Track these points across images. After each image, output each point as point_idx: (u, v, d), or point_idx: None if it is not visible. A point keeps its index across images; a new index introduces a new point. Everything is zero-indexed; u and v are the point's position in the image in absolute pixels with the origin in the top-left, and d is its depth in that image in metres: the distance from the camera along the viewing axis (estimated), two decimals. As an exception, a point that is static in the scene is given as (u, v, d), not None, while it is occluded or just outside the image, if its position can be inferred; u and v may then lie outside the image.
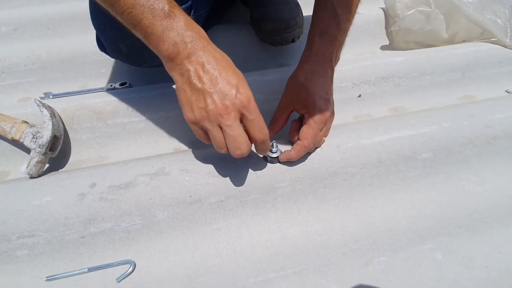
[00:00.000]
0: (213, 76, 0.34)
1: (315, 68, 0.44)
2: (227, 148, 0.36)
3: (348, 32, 0.47)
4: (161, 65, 0.53)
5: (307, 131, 0.42)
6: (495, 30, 0.65)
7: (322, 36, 0.44)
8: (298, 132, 0.44)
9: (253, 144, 0.39)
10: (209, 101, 0.33)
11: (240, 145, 0.35)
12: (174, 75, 0.35)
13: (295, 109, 0.45)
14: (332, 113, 0.47)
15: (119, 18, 0.34)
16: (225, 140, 0.35)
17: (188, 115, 0.35)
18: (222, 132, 0.35)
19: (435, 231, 0.41)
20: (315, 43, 0.44)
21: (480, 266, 0.37)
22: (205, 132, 0.36)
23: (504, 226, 0.41)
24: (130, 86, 0.61)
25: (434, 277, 0.37)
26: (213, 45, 0.36)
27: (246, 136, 0.36)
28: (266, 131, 0.37)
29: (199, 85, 0.34)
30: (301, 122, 0.46)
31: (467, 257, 0.38)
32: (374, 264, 0.38)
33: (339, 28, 0.44)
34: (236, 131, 0.34)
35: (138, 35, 0.35)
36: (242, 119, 0.35)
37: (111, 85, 0.59)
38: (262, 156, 0.47)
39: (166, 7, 0.32)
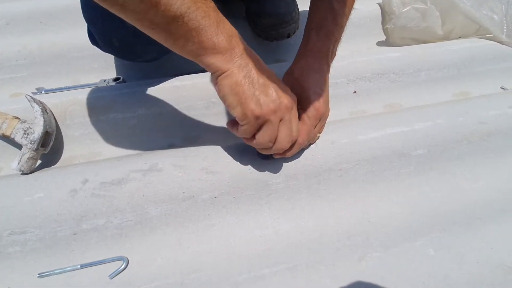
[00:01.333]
0: (269, 73, 0.36)
1: (310, 64, 0.44)
2: (276, 143, 0.37)
3: (345, 27, 0.46)
4: (153, 59, 0.53)
5: (301, 127, 0.42)
6: (491, 26, 0.64)
7: (319, 31, 0.44)
8: None
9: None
10: (280, 94, 0.35)
11: (293, 138, 0.38)
12: (231, 67, 0.33)
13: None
14: (327, 109, 0.46)
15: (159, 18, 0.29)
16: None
17: (255, 108, 0.34)
18: (280, 126, 0.36)
19: (428, 227, 0.42)
20: (311, 38, 0.44)
21: (471, 262, 0.38)
22: (257, 128, 0.36)
23: (496, 223, 0.42)
24: (124, 81, 0.60)
25: (426, 272, 0.37)
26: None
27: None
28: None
29: (262, 80, 0.34)
30: None
31: (459, 253, 0.39)
32: (367, 260, 0.38)
33: (335, 23, 0.43)
34: (296, 124, 0.38)
35: (183, 27, 0.30)
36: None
37: (105, 81, 0.59)
38: (256, 153, 0.46)
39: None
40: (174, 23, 0.29)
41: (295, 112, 0.37)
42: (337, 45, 0.46)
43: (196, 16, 0.30)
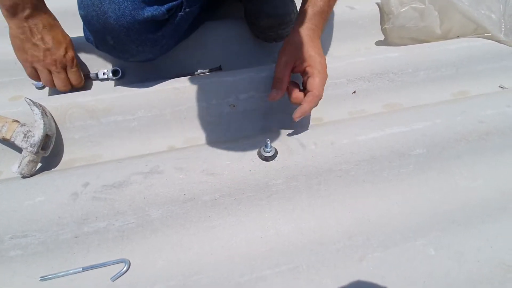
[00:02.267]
0: (47, 36, 0.50)
1: (308, 33, 0.48)
2: (54, 84, 0.54)
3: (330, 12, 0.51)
4: (148, 59, 0.54)
5: (314, 81, 0.44)
6: (489, 25, 0.65)
7: (313, 8, 0.48)
8: (300, 94, 0.46)
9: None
10: (43, 54, 0.51)
11: (65, 83, 0.54)
12: (10, 23, 0.48)
13: (295, 65, 0.47)
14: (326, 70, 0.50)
15: None
16: (52, 79, 0.53)
17: (21, 55, 0.51)
18: (51, 74, 0.53)
19: (428, 227, 0.42)
20: (308, 13, 0.48)
21: (471, 261, 0.38)
22: (35, 70, 0.52)
23: (495, 221, 0.42)
24: (123, 75, 0.62)
25: (426, 271, 0.37)
26: (48, 9, 0.52)
27: (69, 80, 0.55)
28: (81, 79, 0.57)
29: (34, 40, 0.49)
30: (297, 84, 0.48)
31: (459, 252, 0.39)
32: (368, 260, 0.39)
33: (329, 3, 0.49)
34: (62, 75, 0.54)
35: None
36: (66, 70, 0.54)
37: (104, 73, 0.61)
38: (257, 154, 0.47)
39: None
40: None
41: (62, 66, 0.53)
42: (326, 22, 0.52)
43: None
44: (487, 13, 0.66)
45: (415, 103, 0.59)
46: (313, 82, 0.45)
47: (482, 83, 0.63)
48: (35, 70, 0.52)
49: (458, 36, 0.68)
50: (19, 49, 0.50)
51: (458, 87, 0.63)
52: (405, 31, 0.69)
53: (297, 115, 0.45)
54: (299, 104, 0.46)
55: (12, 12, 0.47)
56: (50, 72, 0.52)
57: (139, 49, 0.48)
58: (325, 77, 0.46)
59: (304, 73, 0.47)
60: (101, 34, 0.46)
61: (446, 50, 0.63)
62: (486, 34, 0.65)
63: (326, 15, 0.50)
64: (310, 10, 0.48)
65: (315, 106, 0.46)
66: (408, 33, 0.69)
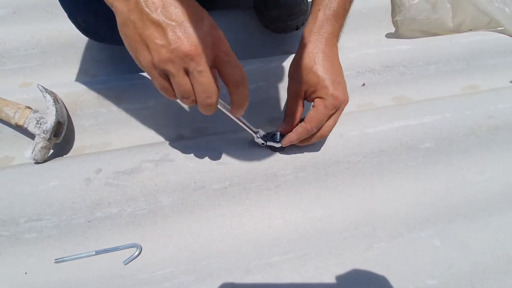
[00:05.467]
0: (175, 6, 0.26)
1: (320, 48, 0.39)
2: (195, 98, 0.30)
3: (348, 13, 0.43)
4: (119, 44, 0.52)
5: (314, 115, 0.39)
6: (502, 19, 0.64)
7: (326, 11, 0.39)
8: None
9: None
10: (172, 37, 0.26)
11: (211, 93, 0.29)
12: (117, 3, 0.27)
13: (306, 95, 0.41)
14: (346, 96, 0.41)
15: None
16: (193, 88, 0.29)
17: (143, 56, 0.27)
18: (190, 78, 0.28)
19: (434, 219, 0.42)
20: (319, 19, 0.39)
21: (476, 252, 0.39)
22: (167, 79, 0.29)
23: (501, 214, 0.43)
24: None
25: (431, 262, 0.38)
26: None
27: (217, 83, 0.30)
28: (245, 73, 0.31)
29: (155, 15, 0.26)
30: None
31: (464, 243, 0.40)
32: (374, 249, 0.40)
33: (342, 3, 0.40)
34: (208, 78, 0.28)
35: None
36: (214, 62, 0.29)
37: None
38: (264, 145, 0.47)
39: None
40: None
41: (208, 57, 0.28)
42: (342, 28, 0.42)
43: None
44: (501, 6, 0.65)
45: (425, 97, 0.59)
46: (311, 116, 0.39)
47: (493, 78, 0.63)
48: (166, 75, 0.29)
49: (470, 30, 0.67)
50: (133, 43, 0.28)
51: (469, 81, 0.62)
52: (416, 24, 0.68)
53: (284, 142, 0.42)
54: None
55: None
56: (186, 73, 0.28)
57: (109, 34, 0.47)
58: (330, 112, 0.39)
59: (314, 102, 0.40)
60: (74, 16, 0.46)
61: (457, 43, 0.62)
62: (499, 28, 0.64)
63: (342, 19, 0.41)
64: (322, 15, 0.39)
65: (304, 137, 0.41)
66: (419, 25, 0.68)
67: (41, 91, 0.47)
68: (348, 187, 0.46)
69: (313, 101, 0.40)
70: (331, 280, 0.37)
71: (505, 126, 0.52)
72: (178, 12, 0.26)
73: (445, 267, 0.38)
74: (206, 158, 0.45)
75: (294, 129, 0.41)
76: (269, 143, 0.46)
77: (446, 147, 0.50)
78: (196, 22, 0.26)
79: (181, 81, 0.28)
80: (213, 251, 0.40)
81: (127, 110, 0.52)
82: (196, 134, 0.54)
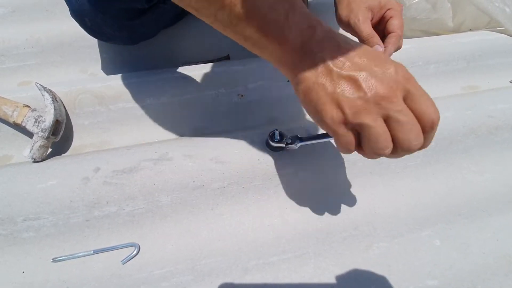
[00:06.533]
0: (357, 56, 0.26)
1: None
2: (395, 146, 0.26)
3: None
4: (127, 44, 0.53)
5: (397, 22, 0.41)
6: (502, 19, 0.64)
7: None
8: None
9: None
10: (365, 85, 0.25)
11: (419, 131, 0.26)
12: (300, 72, 0.27)
13: (373, 14, 0.42)
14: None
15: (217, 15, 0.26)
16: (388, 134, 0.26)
17: (335, 114, 0.26)
18: (387, 124, 0.26)
19: (434, 219, 0.42)
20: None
21: (477, 252, 0.38)
22: (355, 135, 0.27)
23: (502, 215, 0.42)
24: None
25: (431, 262, 0.38)
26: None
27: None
28: (437, 110, 0.26)
29: (344, 72, 0.25)
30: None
31: (465, 243, 0.39)
32: (374, 249, 0.39)
33: None
34: (411, 115, 0.25)
35: (244, 29, 0.26)
36: (405, 100, 0.26)
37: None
38: (265, 144, 0.47)
39: None
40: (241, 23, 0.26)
41: (402, 95, 0.26)
42: None
43: (257, 12, 0.25)
44: (501, 6, 0.65)
45: (424, 97, 0.59)
46: (395, 23, 0.41)
47: (493, 78, 0.63)
48: (357, 130, 0.27)
49: (470, 29, 0.67)
50: (321, 105, 0.26)
51: (469, 81, 0.62)
52: (416, 23, 0.68)
53: (388, 53, 0.42)
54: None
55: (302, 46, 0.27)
56: (384, 120, 0.26)
57: (116, 34, 0.48)
58: (401, 7, 0.42)
59: (382, 18, 0.43)
60: (79, 14, 0.46)
61: (458, 43, 0.62)
62: (499, 28, 0.64)
63: None
64: None
65: (398, 49, 0.43)
66: (419, 25, 0.68)
67: (39, 89, 0.47)
68: (347, 187, 0.46)
69: (381, 17, 0.42)
70: (331, 280, 0.37)
71: (505, 126, 0.52)
72: (364, 61, 0.26)
73: (446, 267, 0.38)
74: (205, 157, 0.45)
75: (387, 42, 0.42)
76: (269, 143, 0.46)
77: (446, 147, 0.49)
78: (382, 65, 0.26)
79: (379, 130, 0.25)
80: (212, 251, 0.40)
81: (126, 109, 0.52)
82: (195, 133, 0.53)
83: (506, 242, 0.39)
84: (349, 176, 0.47)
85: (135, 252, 0.40)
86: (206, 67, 0.55)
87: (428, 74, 0.60)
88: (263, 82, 0.55)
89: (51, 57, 0.62)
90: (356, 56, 0.26)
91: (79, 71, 0.62)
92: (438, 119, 0.26)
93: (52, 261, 0.40)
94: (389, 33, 0.42)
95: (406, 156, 0.48)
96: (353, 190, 0.46)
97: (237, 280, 0.37)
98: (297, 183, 0.45)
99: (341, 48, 0.26)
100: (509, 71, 0.63)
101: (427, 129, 0.26)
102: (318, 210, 0.44)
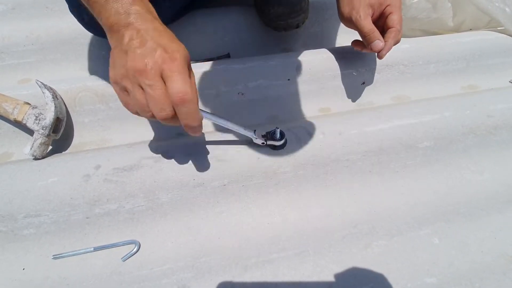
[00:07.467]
0: (144, 39, 0.31)
1: None
2: (152, 112, 0.32)
3: None
4: None
5: (396, 18, 0.44)
6: (502, 18, 0.64)
7: None
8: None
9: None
10: (129, 58, 0.31)
11: (164, 105, 0.31)
12: (111, 43, 0.34)
13: (373, 10, 0.46)
14: None
15: None
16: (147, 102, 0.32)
17: (110, 73, 0.33)
18: (145, 93, 0.32)
19: (433, 217, 0.42)
20: None
21: (475, 251, 0.39)
22: (125, 95, 0.34)
23: (500, 214, 0.43)
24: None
25: (430, 260, 0.38)
26: (160, 22, 0.34)
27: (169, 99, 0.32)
28: (187, 89, 0.31)
29: (126, 46, 0.31)
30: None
31: (463, 242, 0.40)
32: (373, 248, 0.40)
33: None
34: (157, 91, 0.31)
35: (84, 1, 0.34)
36: (163, 78, 0.31)
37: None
38: (264, 144, 0.47)
39: None
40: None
41: (156, 72, 0.31)
42: None
43: None
44: (501, 6, 0.65)
45: (425, 96, 0.59)
46: (394, 18, 0.44)
47: (493, 78, 0.63)
48: (126, 91, 0.34)
49: (470, 29, 0.67)
50: (110, 65, 0.34)
51: (468, 81, 0.62)
52: (417, 23, 0.68)
53: (384, 52, 0.46)
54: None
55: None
56: (142, 88, 0.32)
57: None
58: (400, 2, 0.46)
59: (382, 14, 0.46)
60: (77, 10, 0.46)
61: (458, 43, 0.62)
62: (499, 28, 0.65)
63: None
64: None
65: (397, 43, 0.46)
66: (419, 24, 0.69)
67: (40, 87, 0.47)
68: (347, 186, 0.46)
69: (381, 13, 0.46)
70: (330, 277, 0.37)
71: (505, 126, 0.52)
72: (145, 41, 0.31)
73: (444, 265, 0.38)
74: (205, 155, 0.45)
75: (387, 37, 0.45)
76: (269, 142, 0.46)
77: (445, 147, 0.50)
78: (155, 46, 0.31)
79: (135, 95, 0.32)
80: (212, 248, 0.40)
81: (126, 107, 0.52)
82: (195, 131, 0.53)
83: (505, 241, 0.39)
84: (349, 174, 0.47)
85: (135, 250, 0.40)
86: (206, 65, 0.55)
87: (428, 74, 0.61)
88: (264, 80, 0.55)
89: (52, 54, 0.62)
90: (144, 39, 0.31)
91: (80, 68, 0.62)
92: (184, 95, 0.31)
93: (53, 258, 0.40)
94: (389, 28, 0.44)
95: (406, 155, 0.48)
96: (352, 188, 0.46)
97: (236, 278, 0.37)
98: (296, 181, 0.46)
99: (140, 32, 0.31)
100: (509, 71, 0.63)
101: (176, 103, 0.31)
102: (318, 208, 0.44)
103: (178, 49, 0.32)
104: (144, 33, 0.31)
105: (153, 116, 0.33)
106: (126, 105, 0.34)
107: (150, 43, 0.31)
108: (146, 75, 0.31)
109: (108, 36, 0.34)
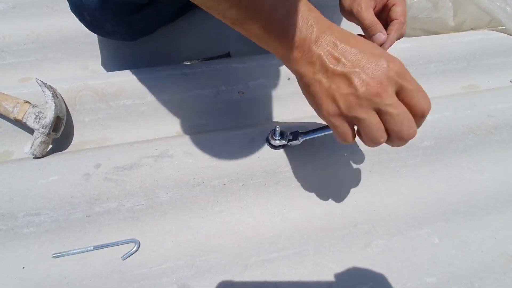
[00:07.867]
0: (352, 53, 0.28)
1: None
2: (388, 136, 0.29)
3: None
4: (126, 40, 0.53)
5: (400, 9, 0.40)
6: (503, 18, 0.63)
7: None
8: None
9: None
10: (357, 82, 0.27)
11: (411, 122, 0.28)
12: (300, 68, 0.29)
13: (375, 2, 0.42)
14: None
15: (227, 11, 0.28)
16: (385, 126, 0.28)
17: (331, 108, 0.29)
18: (380, 116, 0.28)
19: (433, 217, 0.43)
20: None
21: (475, 251, 0.39)
22: (352, 127, 0.30)
23: (500, 213, 0.43)
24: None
25: (430, 259, 0.38)
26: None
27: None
28: (429, 99, 0.29)
29: (338, 68, 0.28)
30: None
31: (463, 241, 0.40)
32: (372, 247, 0.40)
33: None
34: (402, 108, 0.27)
35: (249, 25, 0.28)
36: (398, 94, 0.28)
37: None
38: (266, 141, 0.47)
39: None
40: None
41: (393, 89, 0.28)
42: None
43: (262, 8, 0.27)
44: (502, 5, 0.64)
45: (425, 96, 0.59)
46: (397, 10, 0.40)
47: (493, 77, 0.63)
48: (352, 123, 0.30)
49: (471, 29, 0.66)
50: (318, 99, 0.30)
51: (469, 80, 0.62)
52: (417, 22, 0.68)
53: (386, 46, 0.41)
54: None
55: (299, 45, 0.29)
56: (376, 113, 0.28)
57: (115, 29, 0.48)
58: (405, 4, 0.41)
59: (385, 6, 0.42)
60: (79, 9, 0.46)
61: (458, 42, 0.62)
62: (500, 27, 0.64)
63: None
64: None
65: (401, 37, 0.42)
66: (420, 24, 0.68)
67: (40, 85, 0.47)
68: (347, 185, 0.46)
69: (384, 5, 0.42)
70: (330, 277, 0.37)
71: (505, 126, 0.52)
72: (359, 58, 0.28)
73: (444, 265, 0.38)
74: (205, 154, 0.45)
75: (390, 29, 0.41)
76: (269, 140, 0.46)
77: (446, 146, 0.50)
78: (376, 62, 0.27)
79: (372, 121, 0.28)
80: (212, 247, 0.40)
81: (126, 106, 0.52)
82: (195, 130, 0.53)
83: (505, 241, 0.39)
84: (349, 174, 0.47)
85: (135, 248, 0.40)
86: (207, 64, 0.55)
87: (428, 73, 0.60)
88: (264, 79, 0.55)
89: (52, 53, 0.62)
90: (352, 53, 0.28)
91: (80, 67, 0.62)
92: (429, 108, 0.28)
93: (53, 257, 0.40)
94: (392, 20, 0.41)
95: (406, 155, 0.48)
96: (352, 188, 0.46)
97: (236, 277, 0.37)
98: (296, 180, 0.46)
99: (337, 45, 0.28)
100: (509, 70, 0.63)
101: (418, 117, 0.29)
102: (318, 207, 0.44)
103: (394, 58, 0.28)
104: (344, 45, 0.28)
105: (387, 140, 0.29)
106: (346, 135, 0.30)
107: (365, 57, 0.27)
108: (386, 96, 0.27)
109: (292, 59, 0.29)
